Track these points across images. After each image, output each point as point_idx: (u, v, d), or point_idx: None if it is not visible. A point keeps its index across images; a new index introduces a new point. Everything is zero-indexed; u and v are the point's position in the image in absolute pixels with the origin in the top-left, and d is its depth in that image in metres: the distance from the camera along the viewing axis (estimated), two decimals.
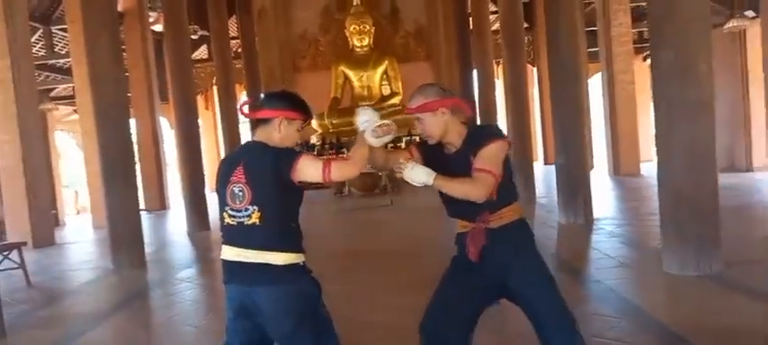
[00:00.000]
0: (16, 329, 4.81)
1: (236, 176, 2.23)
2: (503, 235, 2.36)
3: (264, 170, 2.21)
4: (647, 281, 4.84)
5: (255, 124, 2.36)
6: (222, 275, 2.32)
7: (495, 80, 14.03)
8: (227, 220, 2.25)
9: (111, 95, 6.94)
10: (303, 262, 2.30)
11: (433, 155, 2.44)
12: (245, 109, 2.48)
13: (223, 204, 2.27)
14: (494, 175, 2.28)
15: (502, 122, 11.92)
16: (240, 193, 2.21)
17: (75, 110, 15.32)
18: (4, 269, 6.55)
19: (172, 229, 10.99)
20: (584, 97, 9.24)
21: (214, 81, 16.61)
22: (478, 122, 13.42)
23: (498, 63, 15.90)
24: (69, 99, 15.99)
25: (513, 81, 10.34)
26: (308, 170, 2.20)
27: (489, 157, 2.29)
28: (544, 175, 13.54)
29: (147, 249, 7.50)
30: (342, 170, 2.28)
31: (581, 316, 4.01)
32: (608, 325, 3.74)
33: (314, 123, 18.54)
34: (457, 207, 2.41)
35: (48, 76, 15.03)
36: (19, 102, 9.51)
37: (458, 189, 2.32)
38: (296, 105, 2.35)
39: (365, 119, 2.35)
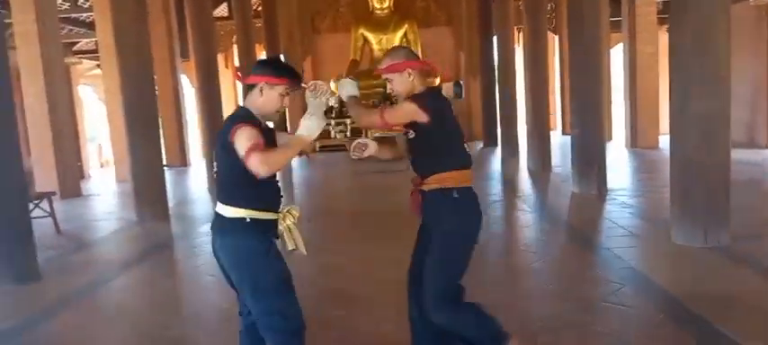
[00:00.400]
0: (49, 273, 5.09)
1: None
2: (432, 197, 2.56)
3: (221, 132, 2.40)
4: (654, 250, 4.95)
5: (246, 88, 2.51)
6: None
7: (516, 46, 13.94)
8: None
9: (134, 51, 7.10)
10: (252, 219, 2.36)
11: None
12: (239, 74, 2.66)
13: None
14: (382, 118, 2.57)
15: (520, 90, 11.87)
16: (215, 152, 2.45)
17: (98, 65, 15.54)
18: (34, 218, 6.84)
19: (193, 185, 11.27)
20: (604, 67, 9.18)
21: (234, 39, 16.66)
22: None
23: (519, 30, 15.77)
24: (92, 53, 16.18)
25: (533, 49, 10.29)
26: (238, 141, 2.27)
27: (396, 108, 2.61)
28: (561, 145, 13.54)
29: (170, 203, 7.75)
30: (258, 165, 2.23)
31: (586, 281, 4.19)
32: (610, 290, 3.88)
33: (332, 85, 18.58)
34: (413, 167, 2.68)
35: (71, 30, 15.18)
36: (44, 57, 9.72)
37: (354, 111, 2.72)
38: (278, 71, 2.45)
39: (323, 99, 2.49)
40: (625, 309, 3.55)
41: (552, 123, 15.26)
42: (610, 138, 14.49)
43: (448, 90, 18.35)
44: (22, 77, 9.74)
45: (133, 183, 7.35)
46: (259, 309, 2.37)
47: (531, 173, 9.84)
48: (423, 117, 2.51)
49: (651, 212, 6.35)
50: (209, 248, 5.82)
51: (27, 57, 9.60)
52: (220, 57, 18.74)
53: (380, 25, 18.62)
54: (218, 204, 2.41)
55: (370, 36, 18.84)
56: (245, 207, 2.36)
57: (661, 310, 3.55)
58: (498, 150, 13.59)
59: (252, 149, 2.22)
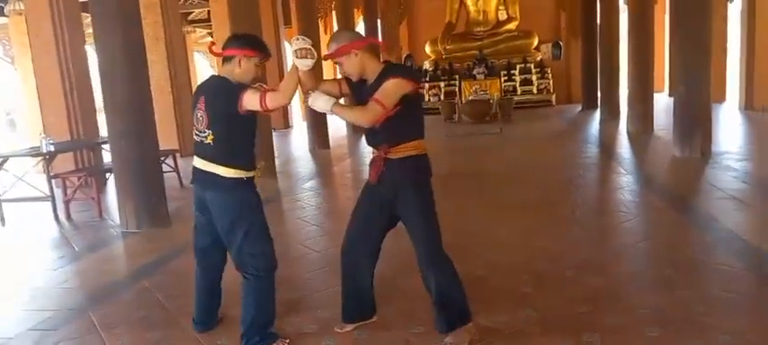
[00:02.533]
0: (176, 219, 5.80)
1: (199, 104, 2.75)
2: (397, 165, 2.67)
3: (218, 102, 2.71)
4: (751, 213, 4.80)
5: (222, 60, 2.81)
6: (191, 177, 2.89)
7: (621, 3, 13.31)
8: (194, 137, 2.83)
9: (245, 16, 7.64)
10: (247, 177, 2.76)
11: (358, 87, 2.77)
12: (214, 48, 2.89)
13: (193, 124, 2.83)
14: (383, 106, 2.55)
15: (623, 50, 11.41)
16: (201, 118, 2.74)
17: (209, 33, 16.67)
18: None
19: (295, 146, 11.99)
20: (715, 22, 8.61)
21: (333, 5, 17.17)
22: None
23: None
24: (204, 22, 17.33)
25: (638, 7, 9.85)
26: (251, 101, 2.64)
27: (385, 90, 2.56)
28: (667, 107, 12.91)
29: (276, 162, 8.40)
30: (274, 99, 2.63)
31: (676, 239, 4.19)
32: (702, 249, 3.89)
33: (427, 49, 18.77)
34: (369, 138, 2.77)
35: (185, 1, 16.36)
36: (166, 25, 10.67)
37: (349, 115, 2.78)
38: (253, 44, 2.78)
39: (296, 48, 2.67)
40: (714, 267, 3.56)
41: (659, 85, 14.53)
42: (723, 99, 13.59)
43: (546, 51, 17.90)
44: (147, 45, 10.73)
45: None
46: (247, 251, 2.78)
47: (631, 136, 9.56)
48: (408, 87, 2.60)
49: (757, 175, 6.08)
50: (312, 202, 6.41)
51: (151, 27, 10.56)
52: (319, 23, 19.38)
53: None
54: (211, 164, 2.74)
55: None
56: (244, 169, 2.74)
57: (753, 270, 3.52)
58: (597, 113, 13.20)
59: (263, 94, 2.62)
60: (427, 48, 18.56)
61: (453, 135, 11.80)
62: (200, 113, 2.75)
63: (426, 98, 17.06)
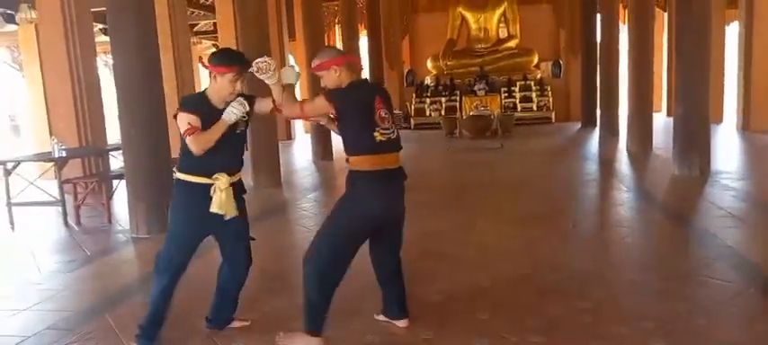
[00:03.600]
0: None
1: None
2: (346, 176, 2.94)
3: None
4: (751, 231, 4.93)
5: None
6: None
7: (620, 24, 13.53)
8: None
9: (255, 23, 7.80)
10: (184, 179, 2.93)
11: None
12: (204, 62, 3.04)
13: None
14: (301, 109, 2.94)
15: (623, 70, 11.59)
16: None
17: (214, 45, 16.84)
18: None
19: (299, 157, 12.09)
20: (714, 45, 8.80)
21: (337, 19, 17.37)
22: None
23: (625, 6, 15.25)
24: (210, 33, 17.51)
25: (638, 25, 10.02)
26: (179, 124, 2.83)
27: (313, 102, 2.94)
28: (665, 127, 13.08)
29: (281, 173, 8.51)
30: (193, 142, 2.79)
31: (677, 254, 4.30)
32: (703, 264, 4.00)
33: (429, 64, 18.97)
34: None
35: (192, 13, 16.54)
36: (173, 35, 10.83)
37: (285, 98, 2.95)
38: (226, 61, 2.87)
39: (258, 61, 2.87)
40: (714, 282, 3.66)
41: (657, 105, 14.71)
42: (720, 121, 13.77)
43: (546, 68, 18.12)
44: None
45: (251, 154, 8.19)
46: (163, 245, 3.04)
47: (631, 155, 9.70)
48: (330, 109, 2.86)
49: (755, 195, 6.21)
50: (317, 211, 6.50)
51: (160, 37, 10.69)
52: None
53: (478, 4, 18.64)
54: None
55: (468, 15, 18.90)
56: (183, 172, 2.94)
57: (753, 284, 3.63)
58: (597, 131, 13.36)
59: (185, 132, 2.80)
60: (429, 64, 18.75)
61: (454, 149, 11.93)
62: None
63: (427, 112, 17.22)
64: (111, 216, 6.42)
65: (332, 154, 10.95)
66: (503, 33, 18.89)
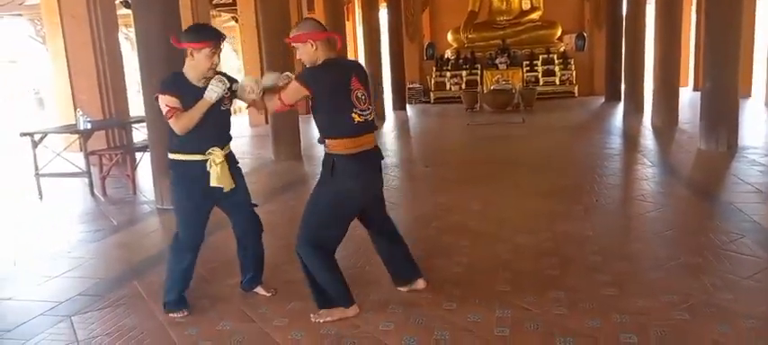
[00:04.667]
0: None
1: None
2: (325, 158, 2.94)
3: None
4: None
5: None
6: None
7: None
8: None
9: (275, 3, 7.78)
10: (174, 159, 3.01)
11: None
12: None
13: None
14: (280, 99, 2.91)
15: (649, 43, 11.32)
16: None
17: (233, 18, 16.81)
18: None
19: (316, 132, 12.08)
20: (744, 17, 8.54)
21: None
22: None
23: None
24: (229, 6, 17.46)
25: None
26: (161, 105, 2.90)
27: (288, 88, 2.89)
28: (691, 102, 12.83)
29: (301, 146, 8.55)
30: (175, 123, 2.88)
31: (703, 229, 4.25)
32: (728, 238, 3.95)
33: (449, 37, 18.74)
34: None
35: None
36: (193, 8, 10.83)
37: (267, 98, 3.03)
38: (200, 35, 2.87)
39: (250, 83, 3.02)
40: (740, 256, 3.62)
41: (683, 79, 14.40)
42: (748, 95, 13.45)
43: (569, 41, 17.80)
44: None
45: (272, 127, 8.24)
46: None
47: (656, 129, 9.54)
48: (305, 92, 2.81)
49: None
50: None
51: (181, 10, 10.72)
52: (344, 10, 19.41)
53: None
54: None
55: None
56: (171, 151, 3.03)
57: None
58: (621, 105, 13.15)
59: (166, 115, 2.87)
60: (449, 37, 18.53)
61: (475, 124, 11.85)
62: None
63: (447, 86, 17.09)
64: (135, 188, 6.53)
65: None
66: (526, 5, 18.55)
